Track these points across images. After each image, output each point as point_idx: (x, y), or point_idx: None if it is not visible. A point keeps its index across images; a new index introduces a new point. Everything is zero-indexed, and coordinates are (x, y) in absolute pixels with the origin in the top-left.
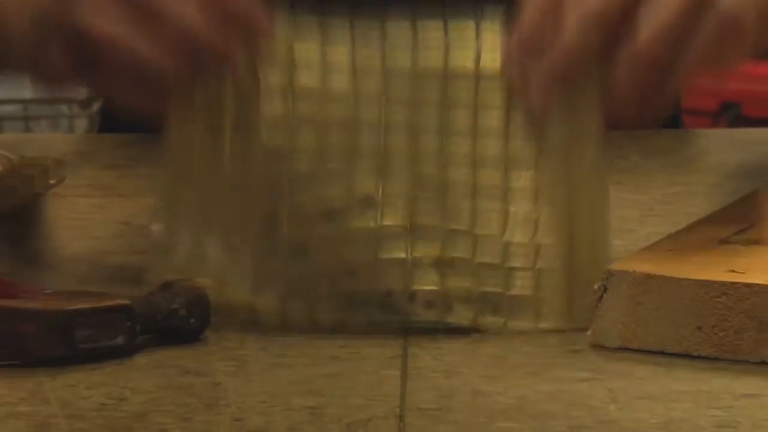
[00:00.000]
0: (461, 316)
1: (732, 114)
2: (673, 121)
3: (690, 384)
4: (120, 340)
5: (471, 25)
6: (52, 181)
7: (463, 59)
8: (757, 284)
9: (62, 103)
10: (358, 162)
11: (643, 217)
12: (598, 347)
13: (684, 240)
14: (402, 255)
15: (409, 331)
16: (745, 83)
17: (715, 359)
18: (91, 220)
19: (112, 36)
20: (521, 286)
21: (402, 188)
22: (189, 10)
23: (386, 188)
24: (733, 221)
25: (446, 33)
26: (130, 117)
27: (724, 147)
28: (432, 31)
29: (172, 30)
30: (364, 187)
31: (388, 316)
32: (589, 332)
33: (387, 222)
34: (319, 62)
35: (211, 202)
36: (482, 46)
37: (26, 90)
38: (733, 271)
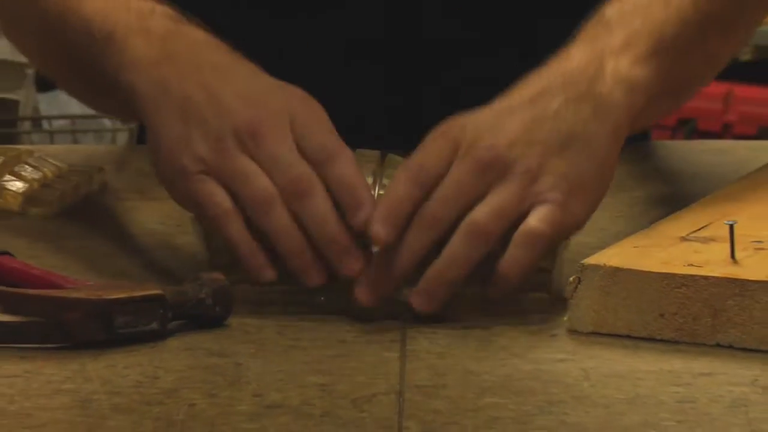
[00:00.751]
0: None
1: (688, 128)
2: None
3: (654, 364)
4: (154, 325)
5: None
6: (95, 187)
7: None
8: (713, 276)
9: (106, 118)
10: None
11: (613, 218)
12: (573, 332)
13: (648, 238)
14: None
15: (407, 317)
16: (699, 102)
17: (676, 342)
18: (129, 220)
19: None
20: None
21: None
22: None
23: None
24: (692, 221)
25: None
26: None
27: (682, 156)
28: None
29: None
30: None
31: None
32: (565, 318)
33: None
34: None
35: None
36: None
37: (74, 106)
38: (692, 265)
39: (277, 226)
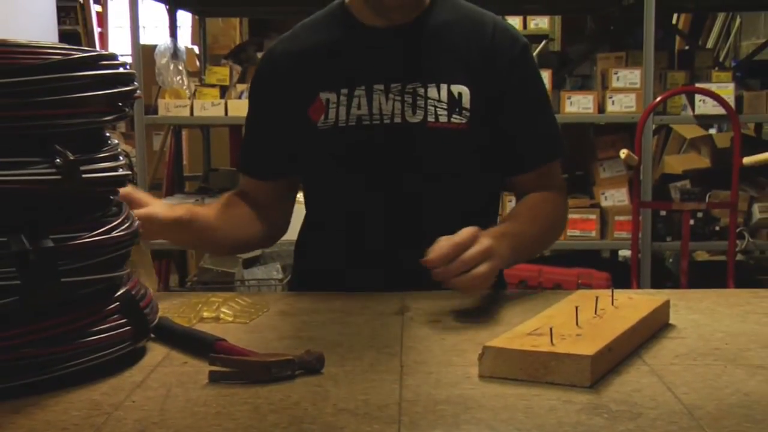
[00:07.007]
0: None
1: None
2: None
3: (515, 390)
4: (289, 372)
5: None
6: (267, 310)
7: None
8: (543, 351)
9: (273, 280)
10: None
11: (499, 326)
12: (481, 376)
13: (513, 333)
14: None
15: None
16: (590, 280)
17: (527, 381)
18: (288, 325)
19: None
20: None
21: None
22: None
23: None
24: (532, 326)
25: None
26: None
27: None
28: None
29: None
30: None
31: None
32: (477, 370)
33: None
34: None
35: None
36: None
37: (259, 274)
38: (534, 346)
39: None
